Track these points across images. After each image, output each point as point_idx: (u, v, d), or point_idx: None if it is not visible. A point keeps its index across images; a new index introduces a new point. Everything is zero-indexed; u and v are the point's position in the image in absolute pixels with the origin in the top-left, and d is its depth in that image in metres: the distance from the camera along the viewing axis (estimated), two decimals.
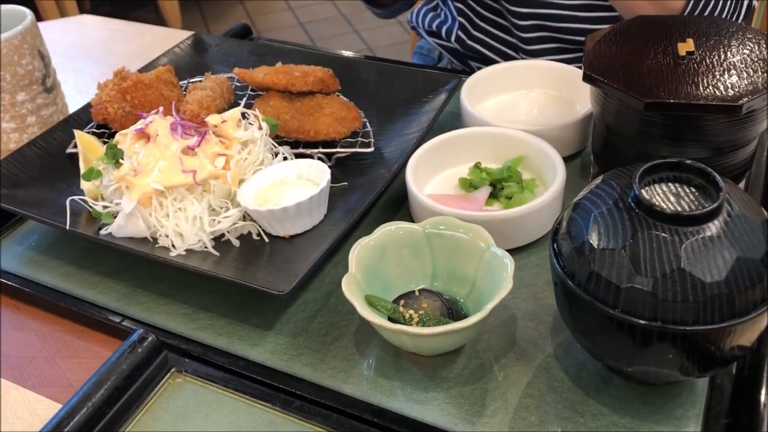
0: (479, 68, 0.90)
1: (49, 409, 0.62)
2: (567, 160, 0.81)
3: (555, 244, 0.56)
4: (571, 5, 1.01)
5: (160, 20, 3.20)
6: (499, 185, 0.75)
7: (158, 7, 3.15)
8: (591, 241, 0.52)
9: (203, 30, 3.17)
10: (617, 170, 0.56)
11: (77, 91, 1.08)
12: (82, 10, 3.14)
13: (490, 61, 1.10)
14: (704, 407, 0.56)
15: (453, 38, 1.12)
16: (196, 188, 0.69)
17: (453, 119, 0.87)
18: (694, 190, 0.52)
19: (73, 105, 0.97)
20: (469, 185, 0.76)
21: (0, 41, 0.84)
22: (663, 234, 0.49)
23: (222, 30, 1.12)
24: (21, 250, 0.76)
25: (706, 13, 0.87)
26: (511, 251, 0.70)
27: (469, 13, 1.10)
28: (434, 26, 1.16)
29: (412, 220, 0.74)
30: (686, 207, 0.51)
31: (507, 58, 1.09)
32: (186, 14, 3.25)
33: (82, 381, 0.60)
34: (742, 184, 0.74)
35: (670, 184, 0.53)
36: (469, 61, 1.14)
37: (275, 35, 3.12)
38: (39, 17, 2.76)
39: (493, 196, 0.75)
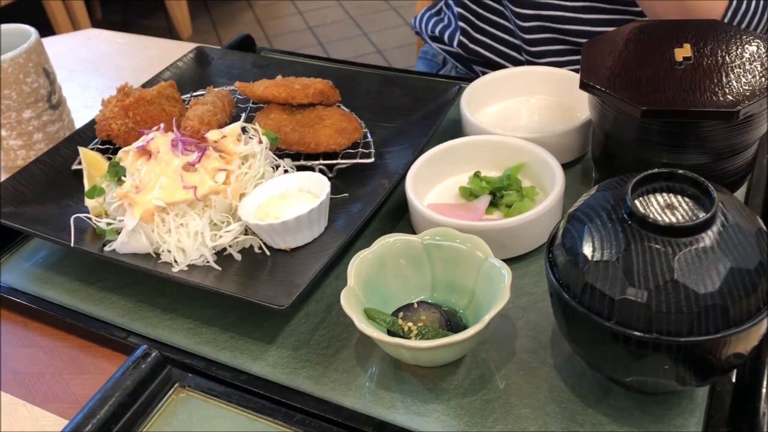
0: (483, 72, 0.91)
1: (56, 425, 0.63)
2: (568, 166, 0.81)
3: (550, 256, 0.56)
4: (574, 7, 1.01)
5: (170, 27, 3.23)
6: (499, 194, 0.75)
7: (168, 15, 3.18)
8: (585, 253, 0.52)
9: (213, 36, 3.19)
10: (611, 180, 0.56)
11: (84, 105, 1.09)
12: (93, 20, 3.17)
13: (494, 65, 1.10)
14: (704, 416, 0.56)
15: (455, 43, 1.12)
16: (198, 204, 0.70)
17: (454, 126, 0.88)
18: (688, 200, 0.52)
19: (81, 120, 0.99)
20: (469, 194, 0.76)
21: (4, 60, 0.86)
22: (656, 245, 0.49)
23: (232, 35, 1.13)
24: (28, 266, 0.78)
25: (737, 21, 0.85)
26: (512, 260, 0.70)
27: (471, 17, 1.10)
28: (437, 31, 1.16)
29: (413, 230, 0.75)
30: (680, 218, 0.51)
31: (511, 60, 1.09)
32: (196, 20, 3.28)
33: (88, 396, 0.61)
34: (743, 188, 0.74)
35: (664, 195, 0.53)
36: (473, 65, 1.14)
37: (284, 39, 3.14)
38: (50, 27, 2.80)
39: (494, 204, 0.75)
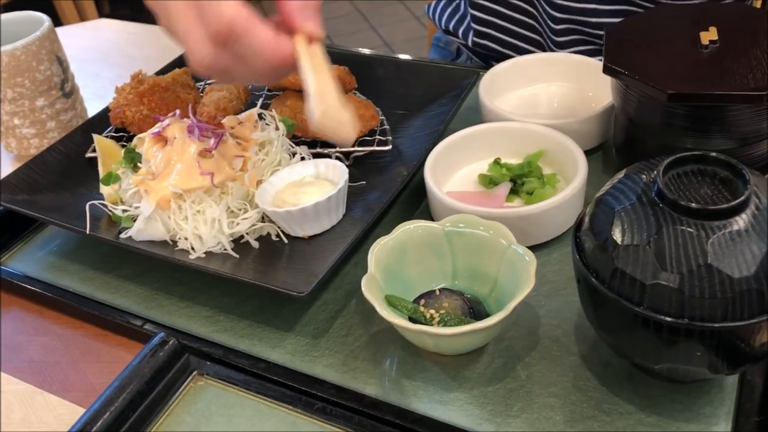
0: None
1: (73, 413, 0.62)
2: (588, 153, 0.79)
3: (577, 241, 0.55)
4: (607, 11, 0.97)
5: None
6: (520, 181, 0.73)
7: None
8: (614, 238, 0.51)
9: None
10: (640, 164, 0.54)
11: (96, 95, 1.08)
12: (101, 14, 3.17)
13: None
14: (734, 405, 0.55)
15: (470, 42, 1.09)
16: (214, 190, 0.69)
17: (472, 114, 0.86)
18: (719, 183, 0.51)
19: (92, 109, 0.98)
20: (489, 182, 0.75)
21: (17, 47, 0.85)
22: (689, 229, 0.48)
23: None
24: (43, 255, 0.77)
25: None
26: (533, 248, 0.69)
27: (486, 15, 1.05)
28: (451, 27, 1.13)
29: (431, 218, 0.74)
30: (712, 201, 0.49)
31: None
32: None
33: (105, 385, 0.60)
34: None
35: (695, 177, 0.51)
36: (490, 60, 1.11)
37: None
38: (58, 21, 2.79)
39: (514, 192, 0.74)
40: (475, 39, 1.07)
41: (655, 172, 0.51)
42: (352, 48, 1.06)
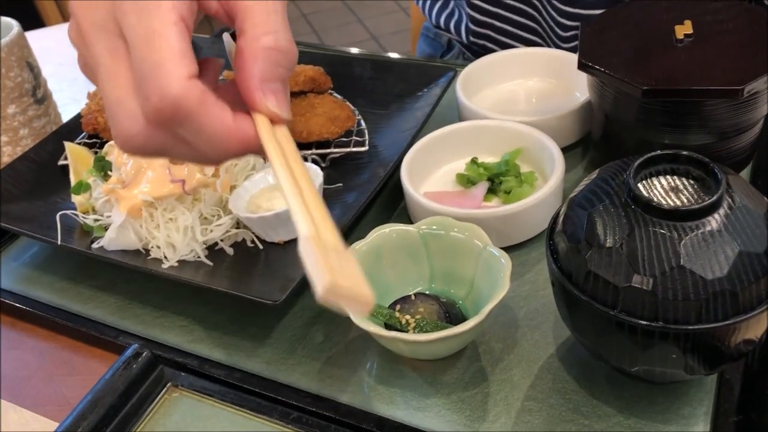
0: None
1: (47, 428, 0.61)
2: (568, 149, 0.78)
3: (551, 243, 0.54)
4: None
5: None
6: (497, 180, 0.73)
7: None
8: (587, 240, 0.50)
9: (207, 27, 3.15)
10: (613, 164, 0.54)
11: (72, 99, 1.07)
12: None
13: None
14: (713, 405, 0.54)
15: (464, 36, 1.05)
16: (186, 197, 0.68)
17: (449, 112, 0.85)
18: (693, 182, 0.50)
19: (68, 114, 0.96)
20: (466, 181, 0.74)
21: None
22: (661, 230, 0.47)
23: (225, 25, 1.09)
24: (15, 266, 0.76)
25: None
26: (511, 247, 0.68)
27: (483, 16, 1.01)
28: (442, 22, 1.08)
29: (410, 219, 0.73)
30: (685, 201, 0.49)
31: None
32: None
33: (79, 398, 0.59)
34: (748, 168, 0.72)
35: (668, 177, 0.51)
36: (489, 44, 1.06)
37: None
38: (41, 21, 2.76)
39: (492, 191, 0.73)
40: (473, 39, 1.03)
41: (627, 172, 0.50)
42: (326, 45, 1.05)
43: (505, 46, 1.02)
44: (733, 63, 0.62)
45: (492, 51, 1.01)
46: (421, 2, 1.11)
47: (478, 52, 1.05)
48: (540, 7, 0.94)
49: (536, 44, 0.98)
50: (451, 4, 1.07)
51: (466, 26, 1.04)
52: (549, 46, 0.97)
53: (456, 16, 1.06)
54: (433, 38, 1.17)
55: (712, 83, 0.60)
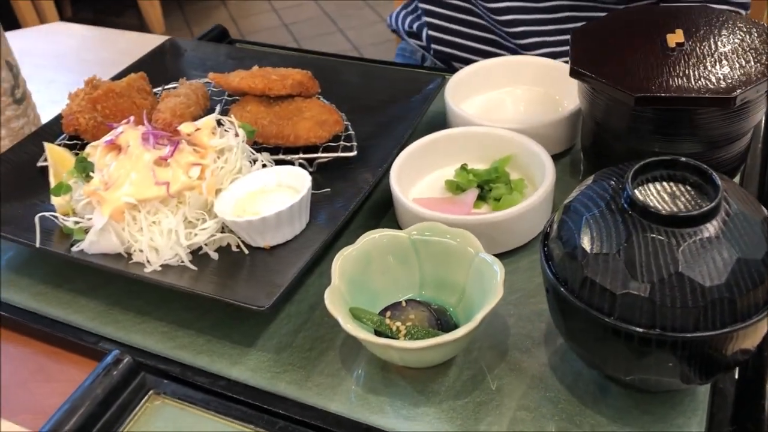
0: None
1: None
2: (556, 158, 0.78)
3: (546, 249, 0.53)
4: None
5: (142, 25, 3.16)
6: (487, 187, 0.72)
7: (141, 12, 3.11)
8: (583, 246, 0.49)
9: (186, 33, 3.13)
10: (608, 170, 0.53)
11: (50, 101, 1.04)
12: (63, 16, 3.10)
13: (471, 61, 1.07)
14: (707, 415, 0.54)
15: (424, 39, 1.09)
16: (171, 200, 0.66)
17: (438, 119, 0.85)
18: (690, 188, 0.50)
19: (46, 116, 0.94)
20: (456, 188, 0.73)
21: None
22: (659, 236, 0.47)
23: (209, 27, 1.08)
24: None
25: None
26: (501, 255, 0.67)
27: (436, 19, 1.06)
28: (415, 27, 1.12)
29: (399, 225, 0.72)
30: (682, 207, 0.48)
31: (491, 55, 1.06)
32: (169, 17, 3.21)
33: (56, 406, 0.57)
34: (737, 178, 0.72)
35: (664, 183, 0.50)
36: (452, 62, 1.10)
37: (259, 37, 3.09)
38: (17, 23, 2.72)
39: (481, 198, 0.72)
40: (434, 46, 1.07)
41: (624, 178, 0.49)
42: (315, 50, 1.04)
43: (463, 48, 1.06)
44: (725, 72, 0.62)
45: (453, 56, 1.05)
46: (393, 20, 1.17)
47: (443, 58, 1.09)
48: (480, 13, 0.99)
49: (492, 42, 1.02)
50: (419, 11, 1.11)
51: (426, 34, 1.08)
52: (504, 43, 1.01)
53: (419, 21, 1.10)
54: (409, 56, 1.21)
55: (704, 92, 0.60)
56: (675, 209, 0.48)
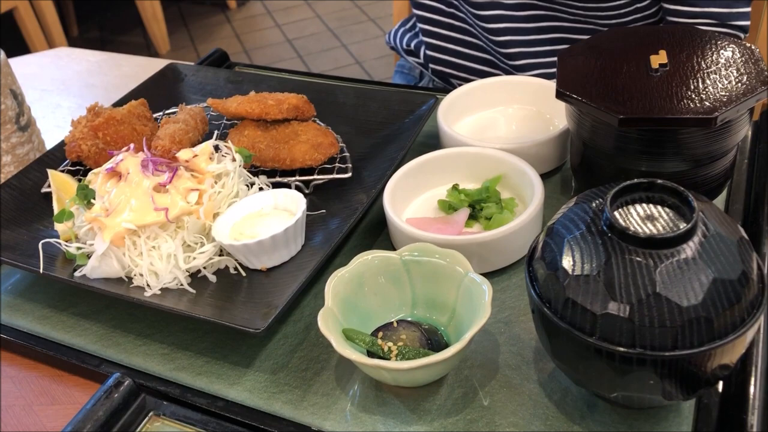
0: (461, 85, 0.89)
1: None
2: (547, 176, 0.80)
3: (531, 270, 0.55)
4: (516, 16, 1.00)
5: (147, 43, 3.20)
6: (478, 206, 0.73)
7: (146, 31, 3.16)
8: (565, 267, 0.50)
9: (191, 50, 3.17)
10: (590, 192, 0.55)
11: (56, 126, 1.07)
12: (69, 38, 3.14)
13: (468, 80, 1.09)
14: (692, 429, 0.55)
15: (422, 57, 1.11)
16: (170, 225, 0.68)
17: (431, 139, 0.86)
18: (668, 210, 0.51)
19: (52, 141, 0.96)
20: (448, 207, 0.75)
21: None
22: (637, 258, 0.48)
23: (210, 50, 1.11)
24: None
25: None
26: (493, 273, 0.69)
27: (433, 40, 1.09)
28: (413, 45, 1.15)
29: (393, 245, 0.73)
30: (660, 229, 0.49)
31: (485, 75, 1.08)
32: (173, 35, 3.26)
33: (60, 428, 0.58)
34: (724, 194, 0.73)
35: (643, 205, 0.52)
36: (450, 78, 1.12)
37: (263, 53, 3.12)
38: (26, 46, 2.76)
39: (473, 217, 0.74)
40: (432, 65, 1.09)
41: (604, 200, 0.51)
42: (318, 64, 1.06)
43: (460, 68, 1.08)
44: (707, 92, 0.63)
45: (451, 75, 1.07)
46: (392, 38, 1.19)
47: (441, 75, 1.11)
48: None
49: (488, 62, 1.02)
50: (417, 27, 1.14)
51: (424, 53, 1.09)
52: (499, 63, 1.02)
53: (417, 38, 1.13)
54: (407, 73, 1.23)
55: (686, 112, 0.62)
56: (653, 231, 0.49)
